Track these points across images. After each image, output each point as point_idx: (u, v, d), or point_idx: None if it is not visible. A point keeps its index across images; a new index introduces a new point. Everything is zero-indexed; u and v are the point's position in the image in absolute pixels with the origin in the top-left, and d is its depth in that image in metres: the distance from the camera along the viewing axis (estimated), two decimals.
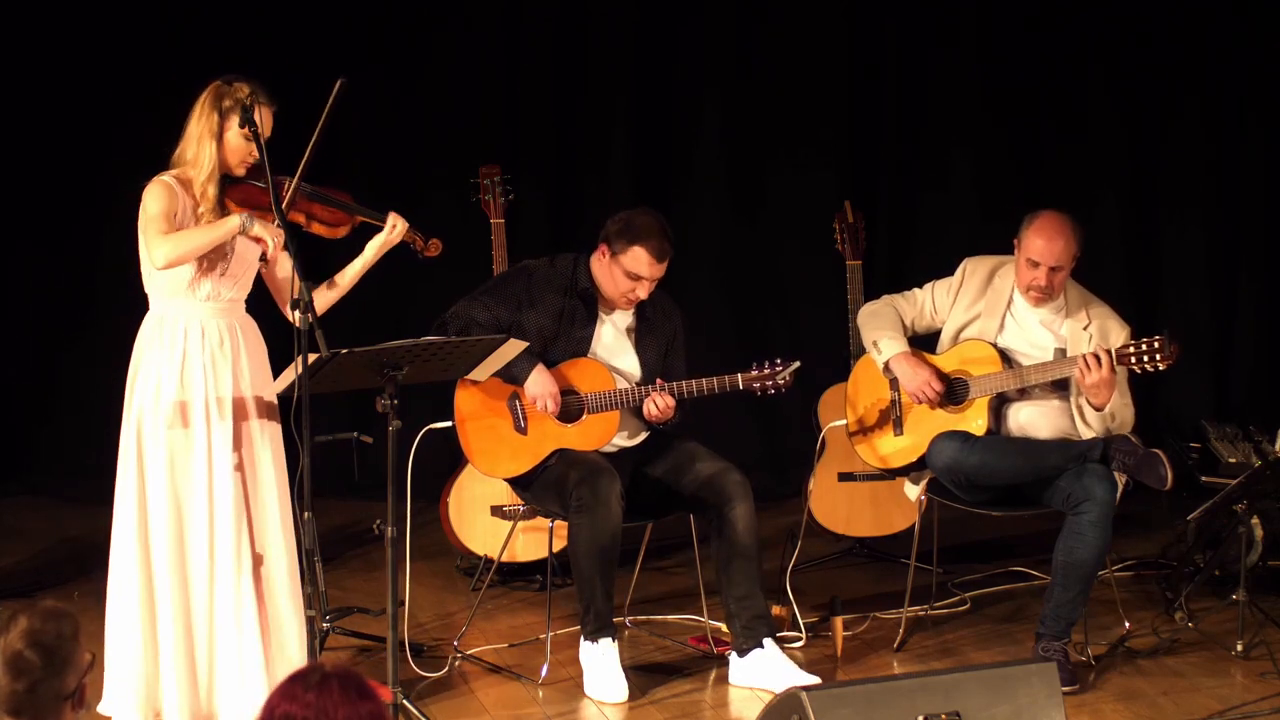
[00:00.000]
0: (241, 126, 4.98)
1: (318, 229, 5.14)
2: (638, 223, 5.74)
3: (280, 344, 5.16)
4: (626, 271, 5.71)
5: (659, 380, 5.74)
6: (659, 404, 5.69)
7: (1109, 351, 5.68)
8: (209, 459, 5.05)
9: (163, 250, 4.93)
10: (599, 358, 5.80)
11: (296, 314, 4.85)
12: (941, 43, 8.05)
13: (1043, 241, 5.81)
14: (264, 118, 5.00)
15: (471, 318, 5.74)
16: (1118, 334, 5.89)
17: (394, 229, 5.19)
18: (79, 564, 6.67)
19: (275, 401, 5.17)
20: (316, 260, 5.03)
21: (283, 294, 5.21)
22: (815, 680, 5.54)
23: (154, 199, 4.98)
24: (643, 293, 5.75)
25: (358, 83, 7.69)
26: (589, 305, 5.81)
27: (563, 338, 5.77)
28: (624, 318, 5.86)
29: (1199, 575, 6.24)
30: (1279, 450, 6.79)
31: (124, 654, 5.08)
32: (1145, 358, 5.66)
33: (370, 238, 5.23)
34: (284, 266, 5.19)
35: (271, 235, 4.96)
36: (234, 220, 4.96)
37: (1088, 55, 8.08)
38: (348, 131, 7.75)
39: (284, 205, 5.00)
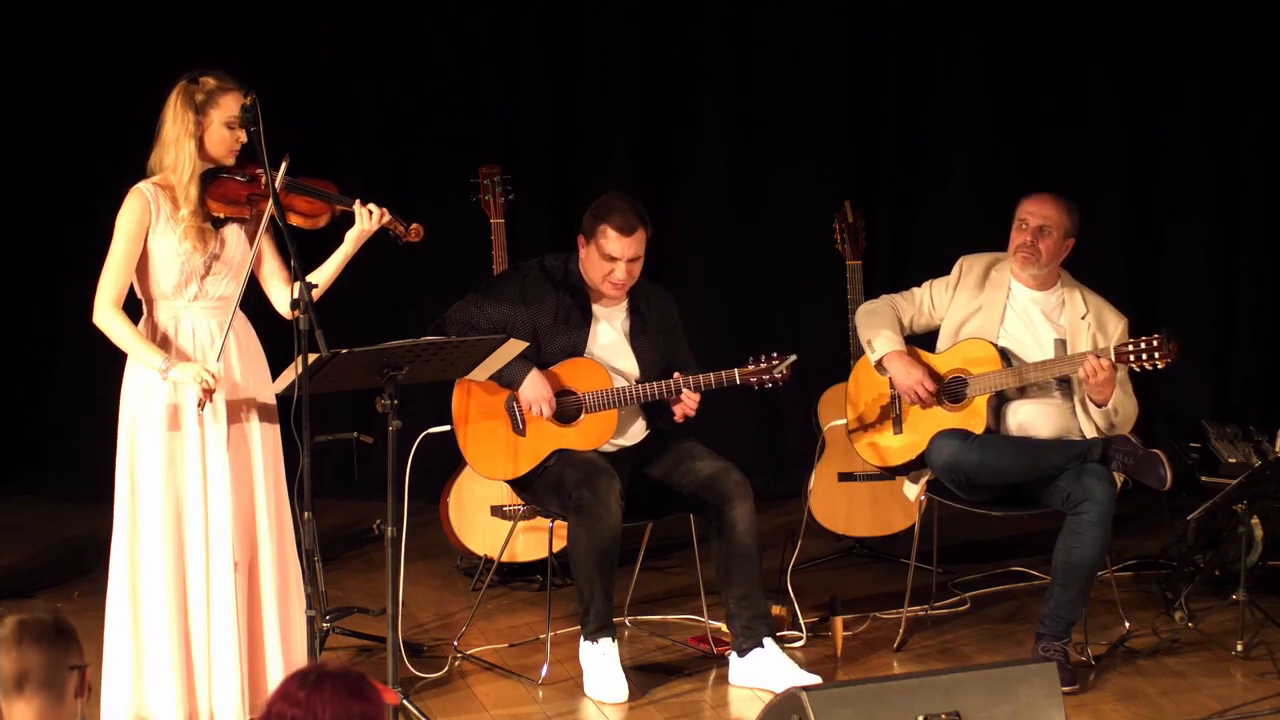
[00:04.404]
0: (243, 127, 4.99)
1: (295, 220, 5.09)
2: (604, 204, 5.77)
3: (280, 344, 5.16)
4: (601, 254, 5.72)
5: (676, 375, 5.73)
6: (689, 404, 5.70)
7: (1111, 360, 5.68)
8: (203, 461, 5.05)
9: (102, 320, 5.03)
10: (596, 357, 5.80)
11: (296, 312, 4.85)
12: (941, 42, 8.05)
13: (1034, 205, 5.94)
14: (234, 103, 5.01)
15: (468, 320, 5.74)
16: (1115, 324, 5.93)
17: (371, 217, 5.17)
18: (79, 564, 6.67)
19: (273, 402, 5.17)
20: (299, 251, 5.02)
21: (273, 293, 5.22)
22: (815, 680, 5.54)
23: (123, 222, 5.02)
24: (621, 274, 5.73)
25: (358, 83, 7.80)
26: (583, 305, 5.81)
27: (559, 337, 5.77)
28: (619, 315, 5.86)
29: (1199, 575, 6.24)
30: (1279, 450, 6.79)
31: (117, 657, 5.09)
32: (1144, 356, 5.66)
33: (349, 227, 5.20)
34: (270, 267, 5.19)
35: (196, 379, 4.94)
36: (157, 362, 4.98)
37: (1088, 55, 8.08)
38: (348, 132, 7.76)
39: (264, 198, 5.00)
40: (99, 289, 5.05)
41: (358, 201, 5.16)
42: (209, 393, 4.96)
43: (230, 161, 5.08)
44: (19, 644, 3.26)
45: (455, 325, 5.71)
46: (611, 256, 5.71)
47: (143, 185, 5.05)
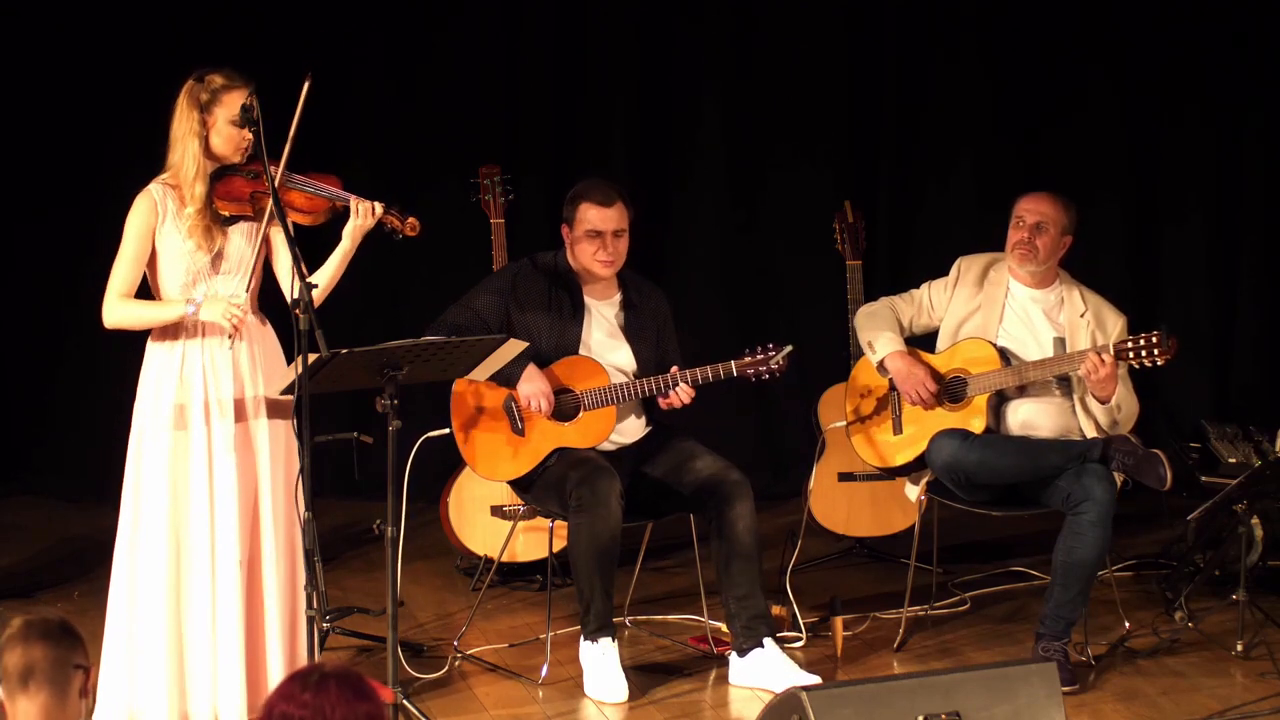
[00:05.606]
0: (242, 127, 5.00)
1: (295, 217, 5.10)
2: (579, 186, 5.84)
3: (281, 344, 5.17)
4: (586, 233, 5.75)
5: (674, 369, 5.74)
6: (682, 396, 5.70)
7: (1112, 356, 5.69)
8: (209, 460, 5.06)
9: (112, 315, 5.08)
10: (591, 352, 5.80)
11: (297, 312, 4.85)
12: (941, 43, 8.05)
13: (1031, 202, 5.97)
14: (240, 101, 5.01)
15: (462, 320, 5.74)
16: (1114, 322, 5.94)
17: (368, 213, 5.16)
18: (79, 563, 6.67)
19: (286, 399, 5.17)
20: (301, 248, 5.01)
21: (286, 289, 5.22)
22: (815, 680, 5.54)
23: (132, 223, 5.05)
24: (609, 250, 5.75)
25: (358, 83, 7.80)
26: (575, 298, 5.81)
27: (554, 334, 5.78)
28: (612, 307, 5.87)
29: (1199, 575, 6.24)
30: (1279, 450, 6.79)
31: (114, 655, 5.09)
32: (1144, 353, 5.67)
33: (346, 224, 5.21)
34: (284, 263, 5.19)
35: (224, 316, 4.98)
36: (179, 309, 5.03)
37: (1088, 55, 8.08)
38: (348, 131, 7.76)
39: (266, 195, 5.00)
40: (108, 287, 5.05)
41: (354, 197, 5.17)
42: (238, 329, 5.00)
43: (239, 159, 5.09)
44: (25, 640, 3.28)
45: (451, 325, 5.71)
46: (596, 231, 5.73)
47: (152, 185, 5.07)
